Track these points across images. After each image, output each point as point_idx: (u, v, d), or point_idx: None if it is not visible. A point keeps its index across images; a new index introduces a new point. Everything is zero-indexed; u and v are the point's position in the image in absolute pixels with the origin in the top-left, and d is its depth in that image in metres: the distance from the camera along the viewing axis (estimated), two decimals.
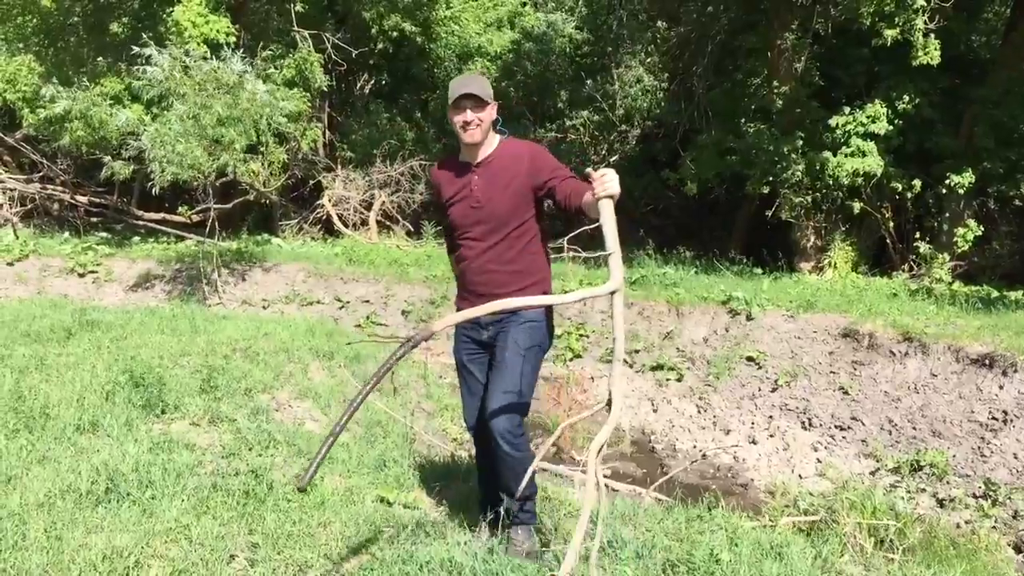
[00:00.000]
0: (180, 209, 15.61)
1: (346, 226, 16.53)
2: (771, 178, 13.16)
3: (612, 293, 2.90)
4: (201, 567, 3.61)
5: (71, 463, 4.61)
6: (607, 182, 3.05)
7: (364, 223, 16.64)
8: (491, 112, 3.66)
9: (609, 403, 3.00)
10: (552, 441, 3.16)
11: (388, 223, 16.95)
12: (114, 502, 4.19)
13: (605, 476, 6.67)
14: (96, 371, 6.46)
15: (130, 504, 4.17)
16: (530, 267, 3.78)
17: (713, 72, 16.33)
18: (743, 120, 14.47)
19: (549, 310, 3.90)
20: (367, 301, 11.72)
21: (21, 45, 14.18)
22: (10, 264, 12.74)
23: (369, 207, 16.90)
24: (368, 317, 11.25)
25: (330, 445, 2.73)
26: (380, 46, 18.01)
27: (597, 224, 3.04)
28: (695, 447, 7.72)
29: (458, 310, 3.79)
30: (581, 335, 9.90)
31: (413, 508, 4.42)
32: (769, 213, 13.71)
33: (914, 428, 7.30)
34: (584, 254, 3.74)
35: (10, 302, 10.07)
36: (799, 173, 12.86)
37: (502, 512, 3.78)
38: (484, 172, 3.75)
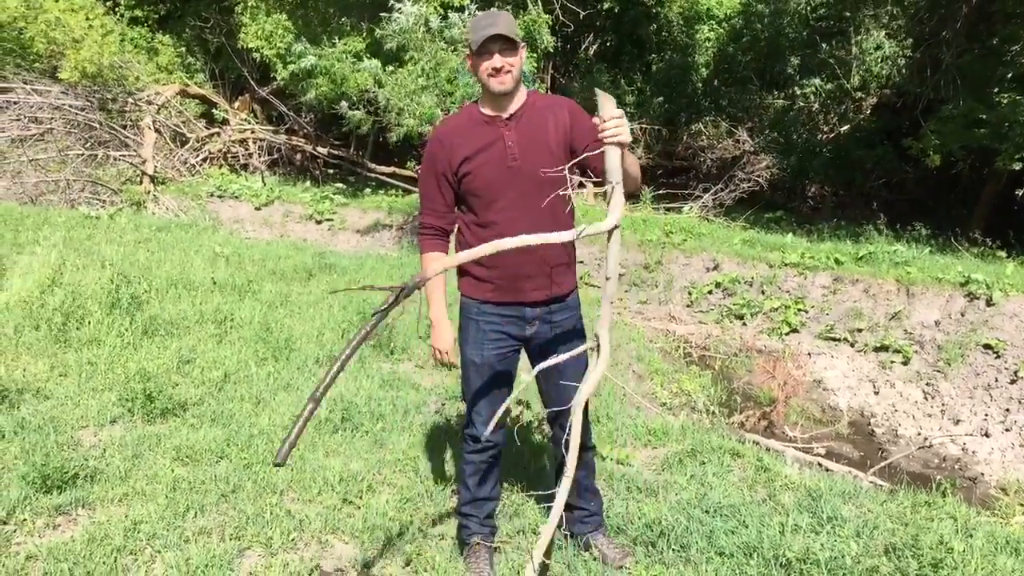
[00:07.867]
0: (408, 163, 16.28)
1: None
2: None
3: (611, 231, 2.66)
4: (426, 497, 3.85)
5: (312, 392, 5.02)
6: (617, 130, 2.63)
7: (581, 185, 16.70)
8: (522, 55, 3.08)
9: (597, 347, 2.78)
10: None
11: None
12: (349, 431, 4.54)
13: (818, 455, 6.47)
14: (333, 311, 6.96)
15: (363, 434, 4.50)
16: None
17: (965, 37, 15.08)
18: (996, 90, 13.30)
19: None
20: (581, 262, 11.82)
21: (276, 5, 15.20)
22: (258, 208, 13.83)
23: None
24: (581, 278, 11.37)
25: (309, 415, 2.46)
26: (607, 6, 17.90)
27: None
28: (919, 434, 7.30)
29: (478, 301, 3.44)
30: (799, 309, 9.56)
31: (626, 464, 4.48)
32: (1020, 193, 12.58)
33: None
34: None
35: (258, 243, 10.95)
36: None
37: (584, 517, 3.52)
38: (517, 125, 3.12)
